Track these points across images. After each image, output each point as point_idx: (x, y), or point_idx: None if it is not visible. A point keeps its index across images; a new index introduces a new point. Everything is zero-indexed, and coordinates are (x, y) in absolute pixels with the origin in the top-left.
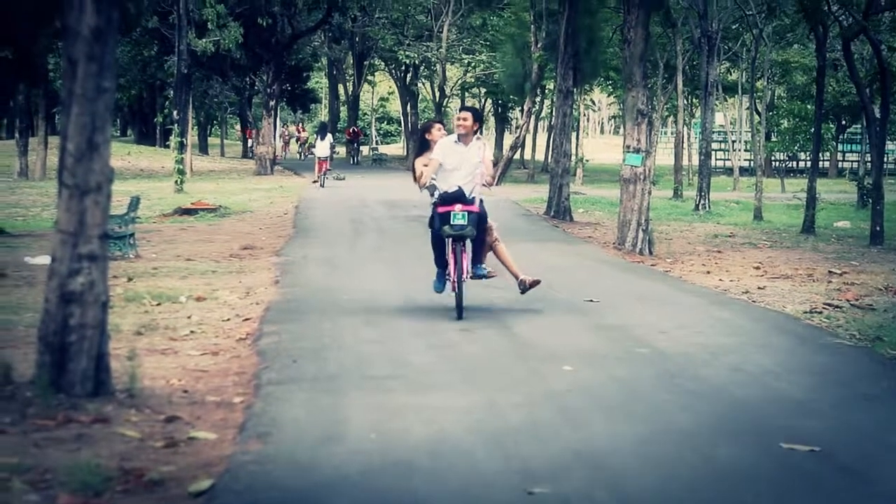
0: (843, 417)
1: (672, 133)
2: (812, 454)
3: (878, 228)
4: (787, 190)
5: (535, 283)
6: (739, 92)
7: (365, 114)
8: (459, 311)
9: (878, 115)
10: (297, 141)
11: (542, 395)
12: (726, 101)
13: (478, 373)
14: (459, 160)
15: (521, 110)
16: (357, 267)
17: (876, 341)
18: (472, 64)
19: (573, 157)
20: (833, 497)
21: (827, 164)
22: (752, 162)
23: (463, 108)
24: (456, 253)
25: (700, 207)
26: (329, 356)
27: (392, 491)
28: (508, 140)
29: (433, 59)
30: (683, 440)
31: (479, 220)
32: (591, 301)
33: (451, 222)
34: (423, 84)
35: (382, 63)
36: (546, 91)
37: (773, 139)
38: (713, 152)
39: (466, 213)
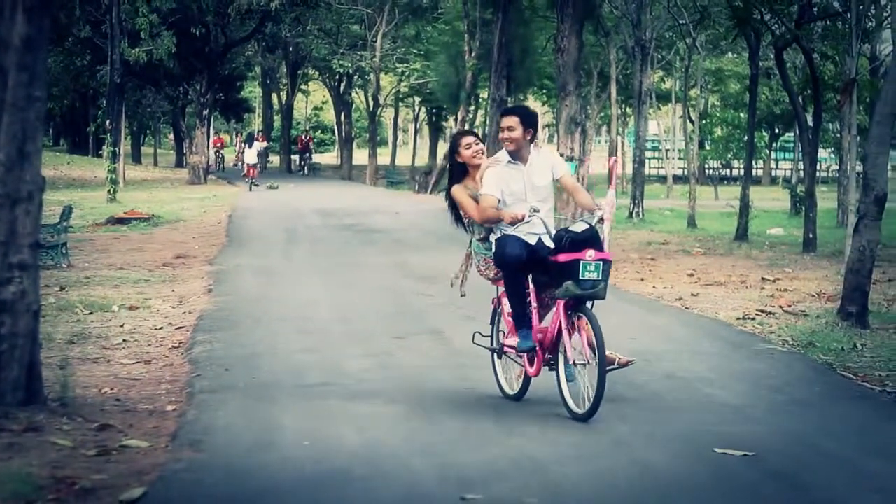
0: (776, 423)
1: (606, 141)
2: (745, 459)
3: (810, 235)
4: (720, 197)
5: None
6: (673, 100)
7: (298, 123)
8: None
9: (810, 123)
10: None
11: (474, 403)
12: (660, 109)
13: (412, 380)
14: (523, 187)
15: (456, 119)
16: (291, 276)
17: (808, 347)
18: (407, 73)
19: None
20: (766, 502)
21: (760, 171)
22: (685, 170)
23: (506, 111)
24: (569, 322)
25: (634, 215)
26: (262, 364)
27: (326, 500)
28: (442, 149)
29: (367, 69)
30: (618, 447)
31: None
32: None
33: (581, 276)
34: (357, 93)
35: (316, 72)
36: (480, 100)
37: (707, 147)
38: (647, 160)
39: (601, 264)
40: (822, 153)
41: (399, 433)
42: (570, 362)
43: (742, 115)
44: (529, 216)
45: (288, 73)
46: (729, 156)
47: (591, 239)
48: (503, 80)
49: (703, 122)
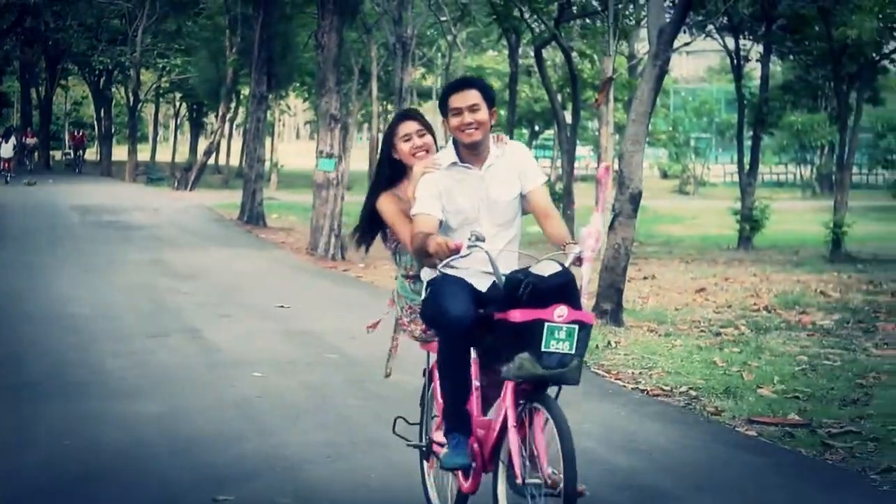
0: None
1: (367, 138)
2: None
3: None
4: None
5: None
6: (434, 97)
7: (58, 118)
8: None
9: (569, 121)
10: None
11: (231, 402)
12: (421, 106)
13: (169, 379)
14: (475, 202)
15: (216, 115)
16: (50, 273)
17: None
18: (167, 69)
19: (267, 163)
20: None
21: None
22: None
23: (459, 83)
24: (521, 417)
25: None
26: (23, 362)
27: (83, 501)
28: (203, 145)
29: (127, 64)
30: (372, 445)
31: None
32: (283, 307)
33: (545, 347)
34: (118, 89)
35: (76, 67)
36: (241, 96)
37: None
38: None
39: (576, 329)
40: (581, 150)
41: (157, 432)
42: (518, 480)
43: (502, 112)
44: (469, 247)
45: (47, 68)
46: None
47: (562, 288)
48: (264, 76)
49: None
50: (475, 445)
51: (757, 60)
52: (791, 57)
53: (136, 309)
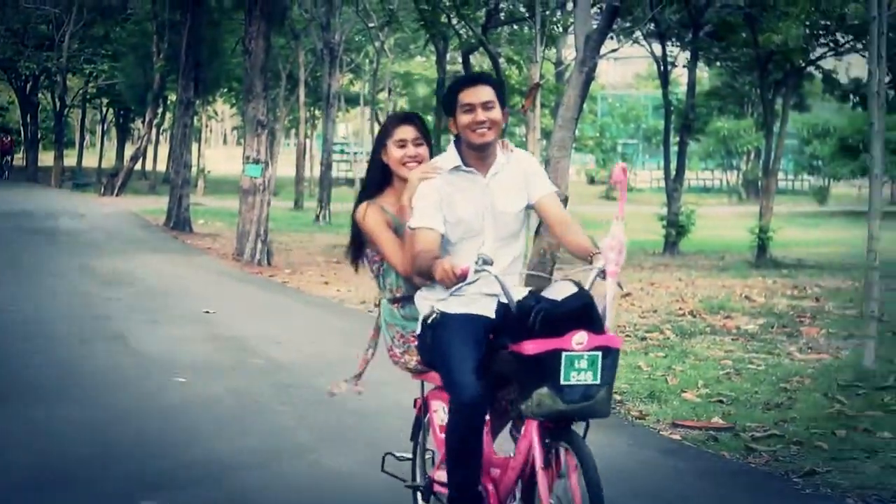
0: None
1: (294, 144)
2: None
3: None
4: None
5: None
6: (362, 103)
7: None
8: None
9: None
10: None
11: (157, 408)
12: (349, 112)
13: (96, 385)
14: (479, 213)
15: (144, 121)
16: None
17: None
18: (94, 74)
19: (194, 168)
20: None
21: None
22: None
23: (470, 78)
24: (549, 458)
25: (321, 218)
26: None
27: None
28: (130, 150)
29: (54, 69)
30: (298, 452)
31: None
32: (209, 312)
33: (565, 379)
34: (44, 94)
35: (2, 72)
36: (169, 102)
37: None
38: (335, 163)
39: (598, 356)
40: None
41: (82, 438)
42: None
43: (430, 118)
44: (476, 271)
45: None
46: None
47: (581, 312)
48: (191, 81)
49: None
50: (489, 486)
51: (684, 66)
52: (718, 63)
53: (62, 314)
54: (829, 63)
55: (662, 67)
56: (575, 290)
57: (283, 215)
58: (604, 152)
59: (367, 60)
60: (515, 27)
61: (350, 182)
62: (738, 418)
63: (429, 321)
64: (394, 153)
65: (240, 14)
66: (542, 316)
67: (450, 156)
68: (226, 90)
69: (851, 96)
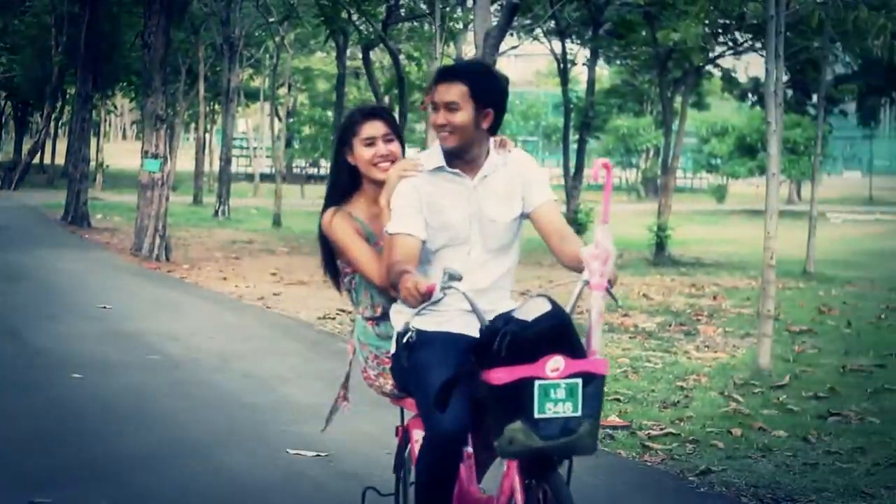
0: (350, 422)
1: (194, 139)
2: (318, 460)
3: None
4: (306, 196)
5: None
6: (262, 98)
7: None
8: None
9: None
10: None
11: (51, 404)
12: (248, 107)
13: None
14: (465, 218)
15: (42, 114)
16: None
17: None
18: None
19: (93, 163)
20: (335, 501)
21: None
22: (273, 168)
23: (443, 72)
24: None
25: (220, 213)
26: None
27: None
28: (28, 144)
29: None
30: (194, 449)
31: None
32: (105, 307)
33: (539, 411)
34: None
35: None
36: (68, 95)
37: (295, 146)
38: (235, 158)
39: (578, 384)
40: (410, 152)
41: None
42: None
43: (329, 113)
44: (442, 289)
45: None
46: (316, 154)
47: (554, 333)
48: (90, 75)
49: (291, 120)
50: None
51: (584, 64)
52: (618, 61)
53: None
54: (728, 62)
55: (562, 65)
56: (548, 307)
57: (182, 210)
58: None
59: (267, 55)
60: (416, 23)
61: (250, 177)
62: (634, 416)
63: (403, 340)
64: (362, 153)
65: (139, 8)
66: (509, 339)
67: (434, 153)
68: (125, 84)
69: (750, 95)
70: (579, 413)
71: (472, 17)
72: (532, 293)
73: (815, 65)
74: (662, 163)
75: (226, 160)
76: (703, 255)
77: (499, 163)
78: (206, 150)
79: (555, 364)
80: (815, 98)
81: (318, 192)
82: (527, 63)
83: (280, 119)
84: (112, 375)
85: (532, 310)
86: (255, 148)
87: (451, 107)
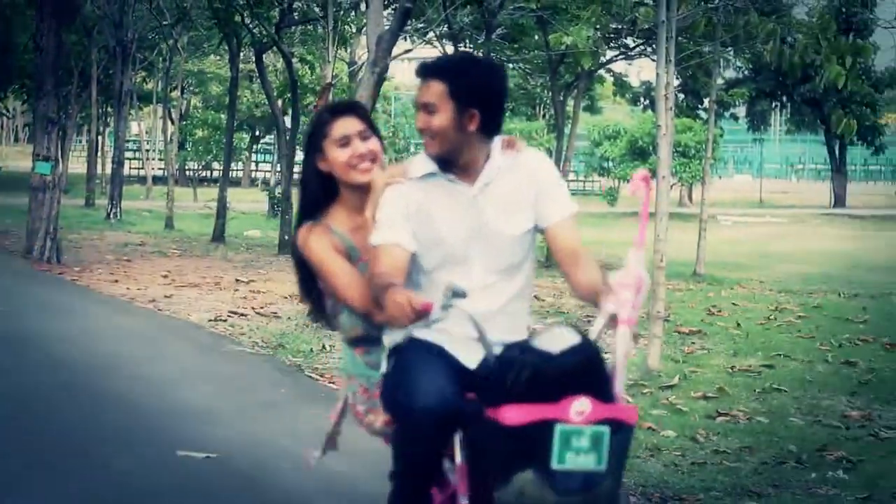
0: (240, 424)
1: (86, 141)
2: (208, 461)
3: (286, 237)
4: (199, 199)
5: None
6: (154, 101)
7: None
8: None
9: (288, 126)
10: None
11: None
12: (142, 110)
13: None
14: (463, 230)
15: None
16: None
17: (278, 349)
18: None
19: None
20: (224, 502)
21: (241, 173)
22: (165, 171)
23: (423, 69)
24: None
25: (112, 216)
26: None
27: None
28: None
29: None
30: (82, 451)
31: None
32: None
33: (558, 462)
34: None
35: None
36: None
37: (188, 149)
38: (127, 161)
39: (605, 433)
40: (300, 156)
41: None
42: None
43: (223, 116)
44: (443, 307)
45: None
46: (209, 157)
47: (582, 369)
48: None
49: (184, 123)
50: None
51: None
52: (511, 65)
53: None
54: (620, 66)
55: None
56: (577, 339)
57: (74, 213)
58: (397, 152)
59: (160, 58)
60: (309, 27)
61: (142, 180)
62: None
63: (391, 348)
64: (337, 156)
65: (32, 10)
66: (529, 373)
67: (424, 158)
68: (17, 87)
69: (642, 99)
70: (603, 467)
71: (365, 20)
72: (552, 322)
73: (706, 69)
74: (555, 166)
75: (118, 163)
76: (594, 256)
77: (505, 166)
78: (99, 153)
79: (580, 406)
80: (706, 102)
81: (211, 194)
82: None
83: (173, 122)
84: None
85: (556, 341)
86: (147, 150)
87: (428, 108)
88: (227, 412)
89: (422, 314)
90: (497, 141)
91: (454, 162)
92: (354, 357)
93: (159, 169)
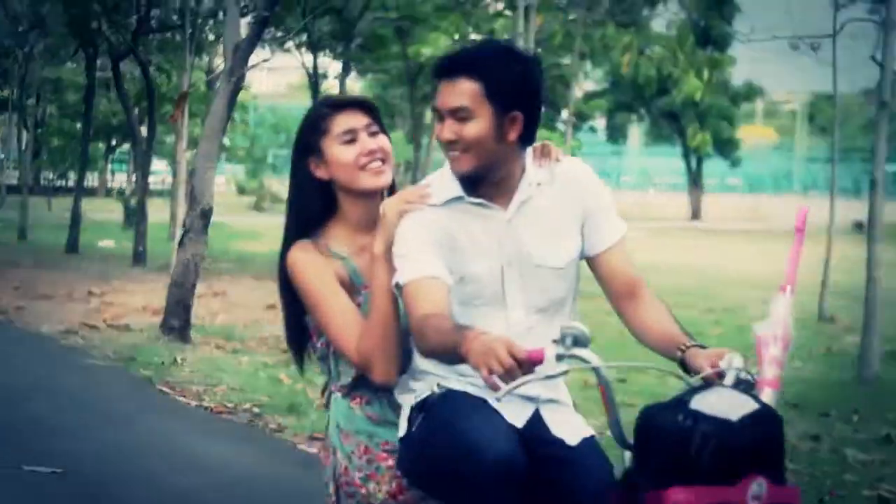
0: (89, 438)
1: None
2: (54, 476)
3: (140, 248)
4: (54, 209)
5: None
6: (10, 109)
7: None
8: None
9: (145, 135)
10: None
11: None
12: None
13: None
14: (497, 266)
15: None
16: None
17: (130, 361)
18: None
19: None
20: None
21: (97, 183)
22: (19, 180)
23: (440, 65)
24: None
25: None
26: None
27: None
28: None
29: None
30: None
31: None
32: None
33: None
34: None
35: None
36: None
37: (43, 158)
38: None
39: None
40: (158, 164)
41: None
42: None
43: (79, 125)
44: (560, 357)
45: None
46: (65, 166)
47: (764, 444)
48: None
49: (40, 131)
50: None
51: (335, 78)
52: (369, 75)
53: None
54: None
55: (314, 78)
56: (754, 405)
57: None
58: (254, 162)
59: (15, 65)
60: (168, 35)
61: None
62: None
63: (417, 402)
64: (341, 155)
65: None
66: (713, 446)
67: (445, 178)
68: None
69: None
70: None
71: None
72: (704, 375)
73: (565, 81)
74: (413, 177)
75: None
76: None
77: (543, 180)
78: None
79: (758, 489)
80: (564, 114)
81: (66, 204)
82: (279, 76)
83: (28, 130)
84: None
85: (724, 404)
86: (1, 159)
87: (459, 115)
88: (76, 426)
89: (529, 366)
90: (529, 150)
91: (485, 180)
92: (351, 410)
93: (13, 178)
